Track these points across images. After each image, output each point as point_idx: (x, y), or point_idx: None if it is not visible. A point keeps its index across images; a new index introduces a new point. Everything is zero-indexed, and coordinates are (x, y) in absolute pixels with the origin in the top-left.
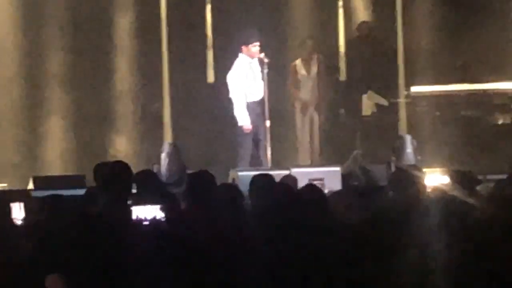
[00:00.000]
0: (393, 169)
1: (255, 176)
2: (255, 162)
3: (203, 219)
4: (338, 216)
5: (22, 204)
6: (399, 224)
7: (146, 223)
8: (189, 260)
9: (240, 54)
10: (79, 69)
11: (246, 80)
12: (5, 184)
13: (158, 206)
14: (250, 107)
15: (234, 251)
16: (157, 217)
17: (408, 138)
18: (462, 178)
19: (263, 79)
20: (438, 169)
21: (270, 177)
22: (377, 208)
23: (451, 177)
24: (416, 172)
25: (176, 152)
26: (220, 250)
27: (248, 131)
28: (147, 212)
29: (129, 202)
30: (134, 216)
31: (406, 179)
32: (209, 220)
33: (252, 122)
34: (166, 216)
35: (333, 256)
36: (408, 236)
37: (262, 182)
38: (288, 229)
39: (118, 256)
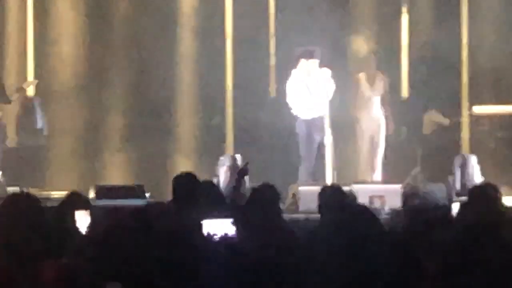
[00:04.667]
0: (456, 188)
1: (323, 188)
2: (316, 177)
3: (274, 235)
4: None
5: (87, 212)
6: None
7: (216, 238)
8: (263, 279)
9: (293, 70)
10: (141, 81)
11: (301, 94)
12: (66, 192)
13: (229, 220)
14: (310, 122)
15: (308, 269)
16: (228, 233)
17: (470, 158)
18: None
19: (325, 94)
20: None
21: (339, 188)
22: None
23: None
24: (494, 191)
25: (237, 165)
26: (293, 269)
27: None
28: (217, 227)
29: (198, 214)
30: (204, 231)
31: (486, 197)
32: (280, 236)
33: (314, 137)
34: (237, 232)
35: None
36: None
37: (331, 194)
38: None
39: (186, 272)
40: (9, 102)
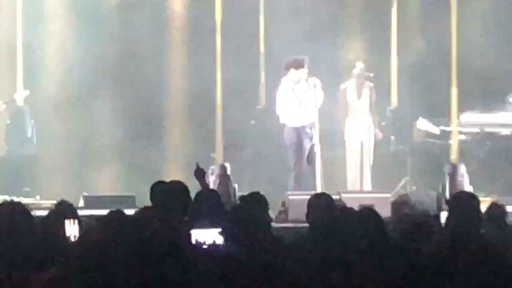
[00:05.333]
0: (446, 196)
1: (313, 196)
2: (306, 186)
3: (263, 243)
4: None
5: (76, 221)
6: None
7: (205, 246)
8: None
9: (283, 78)
10: (132, 92)
11: (290, 103)
12: (55, 201)
13: (217, 230)
14: (300, 130)
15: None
16: (216, 242)
17: (459, 166)
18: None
19: (314, 103)
20: (488, 199)
21: (328, 196)
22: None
23: None
24: (473, 200)
25: (226, 174)
26: (281, 277)
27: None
28: (206, 236)
29: (187, 224)
30: (193, 240)
31: (466, 205)
32: (268, 244)
33: (303, 146)
34: (225, 241)
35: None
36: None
37: (320, 203)
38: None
39: (174, 279)
40: None
